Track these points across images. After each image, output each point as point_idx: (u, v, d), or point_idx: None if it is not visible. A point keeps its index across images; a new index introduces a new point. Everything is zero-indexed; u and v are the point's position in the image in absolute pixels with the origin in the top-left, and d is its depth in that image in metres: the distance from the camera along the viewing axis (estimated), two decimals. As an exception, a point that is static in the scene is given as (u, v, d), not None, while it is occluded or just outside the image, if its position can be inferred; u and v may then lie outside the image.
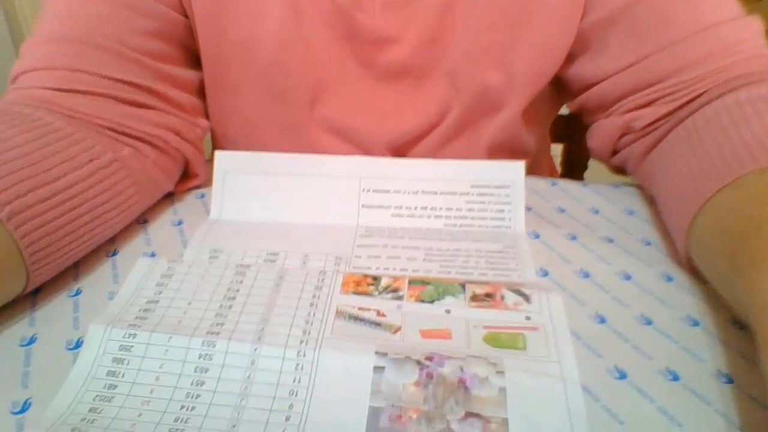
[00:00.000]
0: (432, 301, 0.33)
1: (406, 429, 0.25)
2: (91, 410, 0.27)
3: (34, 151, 0.36)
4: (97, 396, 0.27)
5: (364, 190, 0.43)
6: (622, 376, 0.30)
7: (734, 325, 0.34)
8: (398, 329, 0.31)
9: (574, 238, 0.42)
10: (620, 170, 0.52)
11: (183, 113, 0.48)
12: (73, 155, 0.38)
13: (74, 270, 0.38)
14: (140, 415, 0.26)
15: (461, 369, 0.27)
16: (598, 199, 0.47)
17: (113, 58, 0.43)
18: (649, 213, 0.45)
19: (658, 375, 0.30)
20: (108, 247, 0.40)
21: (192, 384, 0.28)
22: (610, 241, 0.42)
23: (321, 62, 0.48)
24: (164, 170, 0.45)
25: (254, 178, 0.44)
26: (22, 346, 0.32)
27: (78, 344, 0.32)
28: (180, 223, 0.43)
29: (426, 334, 0.30)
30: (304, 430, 0.26)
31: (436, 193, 0.43)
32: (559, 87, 0.53)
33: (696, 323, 0.34)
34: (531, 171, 0.42)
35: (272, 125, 0.51)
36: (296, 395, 0.27)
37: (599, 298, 0.36)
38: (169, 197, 0.47)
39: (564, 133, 0.75)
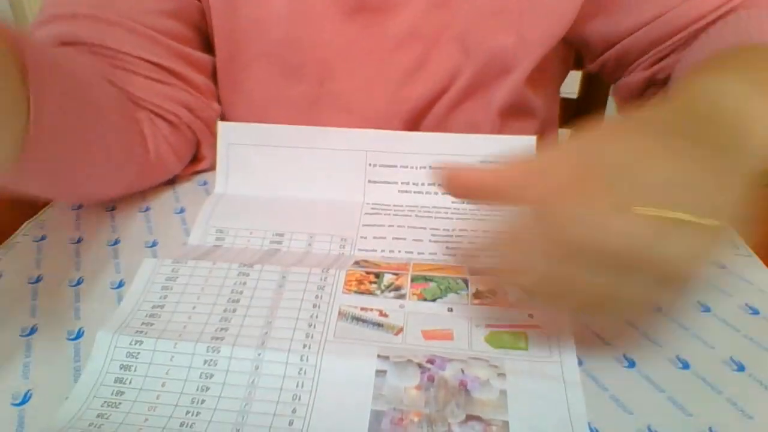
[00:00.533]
0: (434, 300, 0.32)
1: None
2: (98, 415, 0.27)
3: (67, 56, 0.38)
4: (104, 402, 0.28)
5: (370, 164, 0.42)
6: (631, 364, 0.30)
7: (746, 312, 0.33)
8: (400, 330, 0.30)
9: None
10: None
11: (197, 92, 0.48)
12: (102, 82, 0.40)
13: (75, 259, 0.38)
14: (146, 420, 0.27)
15: (462, 372, 0.27)
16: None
17: (127, 34, 0.43)
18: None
19: (668, 363, 0.30)
20: (109, 235, 0.40)
21: (197, 390, 0.28)
22: (619, 226, 0.41)
23: (330, 38, 0.48)
24: (174, 148, 0.46)
25: (259, 150, 0.43)
26: (23, 336, 0.32)
27: (79, 334, 0.32)
28: (182, 210, 0.43)
29: (428, 335, 0.30)
30: (311, 420, 0.26)
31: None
32: (578, 47, 0.54)
33: (707, 309, 0.33)
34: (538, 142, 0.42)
35: (284, 104, 0.52)
36: (299, 400, 0.27)
37: (607, 285, 0.35)
38: (171, 184, 0.47)
39: (572, 117, 0.74)
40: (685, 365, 0.30)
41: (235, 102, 0.53)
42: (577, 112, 0.73)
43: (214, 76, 0.51)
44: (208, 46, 0.50)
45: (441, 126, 0.53)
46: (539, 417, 0.26)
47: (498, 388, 0.27)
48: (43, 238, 0.40)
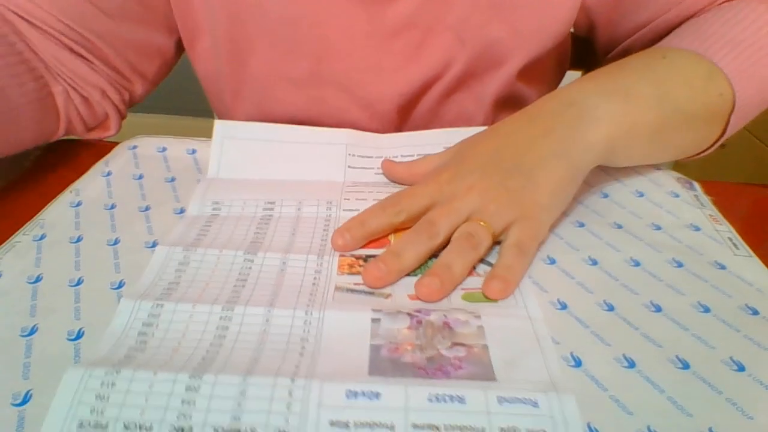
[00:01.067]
0: (416, 274, 0.36)
1: (403, 356, 0.30)
2: (126, 356, 0.29)
3: None
4: (130, 348, 0.30)
5: (350, 154, 0.48)
6: (631, 365, 0.30)
7: (745, 312, 0.33)
8: (389, 295, 0.35)
9: (582, 225, 0.41)
10: None
11: (117, 76, 0.53)
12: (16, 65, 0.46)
13: (76, 260, 0.38)
14: (171, 358, 0.29)
15: (445, 316, 0.32)
16: (608, 181, 0.46)
17: (76, 2, 0.47)
18: (658, 195, 0.44)
19: (668, 363, 0.30)
20: (109, 235, 0.40)
21: (215, 337, 0.31)
22: (619, 227, 0.41)
23: (329, 18, 0.50)
24: (84, 118, 0.52)
25: (250, 143, 0.48)
26: (23, 336, 0.31)
27: (79, 335, 0.32)
28: (182, 211, 0.43)
29: (413, 297, 0.34)
30: (317, 359, 0.29)
31: (413, 156, 0.47)
32: (588, 47, 0.59)
33: (707, 310, 0.33)
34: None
35: (285, 82, 0.54)
36: (307, 340, 0.31)
37: (608, 286, 0.35)
38: (171, 184, 0.47)
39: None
40: (685, 365, 0.30)
41: (241, 81, 0.55)
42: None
43: (160, 55, 0.56)
44: (168, 25, 0.54)
45: (433, 116, 0.55)
46: (512, 340, 0.31)
47: (476, 325, 0.32)
48: (42, 237, 0.40)
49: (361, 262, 0.37)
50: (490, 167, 0.39)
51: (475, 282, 0.35)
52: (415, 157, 0.46)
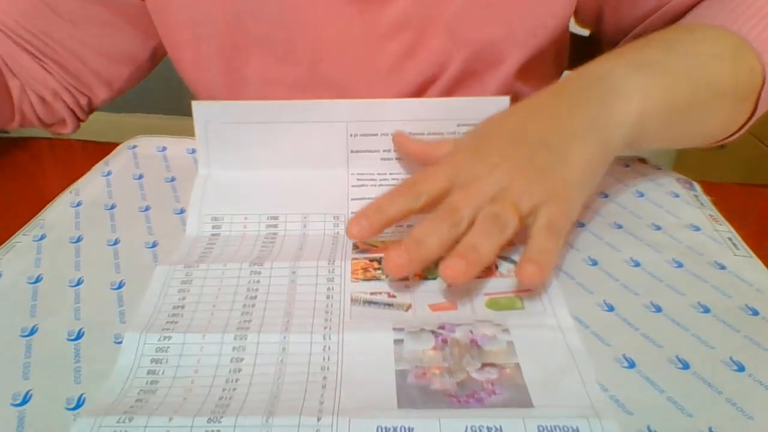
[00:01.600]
0: (435, 278, 0.34)
1: (432, 382, 0.28)
2: (137, 400, 0.28)
3: None
4: (140, 390, 0.28)
5: (351, 135, 0.43)
6: (631, 365, 0.30)
7: (745, 312, 0.33)
8: (409, 306, 0.33)
9: (582, 225, 0.41)
10: None
11: (72, 80, 0.54)
12: None
13: (75, 260, 0.38)
14: (185, 399, 0.28)
15: (471, 332, 0.31)
16: (608, 181, 0.46)
17: (33, 6, 0.49)
18: (658, 195, 0.44)
19: (668, 363, 0.30)
20: (109, 235, 0.40)
21: (230, 372, 0.29)
22: (620, 227, 0.41)
23: (323, 21, 0.49)
24: (39, 115, 0.54)
25: (238, 127, 0.43)
26: (23, 336, 0.32)
27: (79, 335, 0.32)
28: (182, 211, 0.43)
29: (435, 307, 0.33)
30: (341, 391, 0.28)
31: (423, 134, 0.43)
32: (587, 48, 0.59)
33: (707, 310, 0.33)
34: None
35: (279, 86, 0.53)
36: (328, 369, 0.29)
37: (608, 286, 0.35)
38: (171, 184, 0.47)
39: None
40: (685, 365, 0.30)
41: (235, 88, 0.54)
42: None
43: (128, 62, 0.56)
44: (137, 31, 0.55)
45: None
46: (545, 357, 0.29)
47: (505, 341, 0.30)
48: (42, 237, 0.40)
49: (376, 264, 0.35)
50: (516, 144, 0.37)
51: (499, 284, 0.34)
52: (422, 131, 0.43)
